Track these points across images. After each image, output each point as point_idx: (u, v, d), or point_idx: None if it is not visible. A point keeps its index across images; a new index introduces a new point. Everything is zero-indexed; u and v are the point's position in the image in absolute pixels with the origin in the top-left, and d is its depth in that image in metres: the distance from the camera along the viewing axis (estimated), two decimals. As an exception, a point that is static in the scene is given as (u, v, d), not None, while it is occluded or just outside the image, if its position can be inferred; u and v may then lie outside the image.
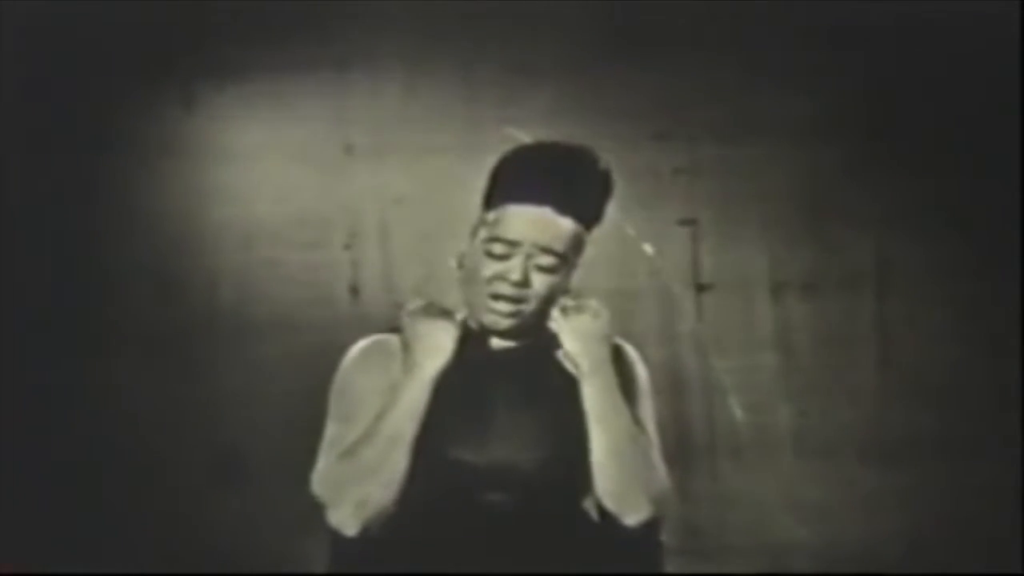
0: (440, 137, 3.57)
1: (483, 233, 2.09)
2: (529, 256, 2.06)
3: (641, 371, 2.25)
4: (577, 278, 3.20)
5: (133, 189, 3.76)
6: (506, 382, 2.12)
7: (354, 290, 3.77)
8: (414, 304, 2.12)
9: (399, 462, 2.05)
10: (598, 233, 3.75)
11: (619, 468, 2.10)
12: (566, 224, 2.08)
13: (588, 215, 2.13)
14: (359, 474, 2.05)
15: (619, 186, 3.66)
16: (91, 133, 3.72)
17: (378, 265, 3.75)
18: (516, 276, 2.06)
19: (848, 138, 3.69)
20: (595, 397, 2.10)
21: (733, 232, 3.73)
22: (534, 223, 2.06)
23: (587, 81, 3.69)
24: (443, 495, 2.10)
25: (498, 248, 2.06)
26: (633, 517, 2.12)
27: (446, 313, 2.11)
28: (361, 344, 2.20)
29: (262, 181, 3.76)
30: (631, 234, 3.71)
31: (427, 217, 3.54)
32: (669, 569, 2.32)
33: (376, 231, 3.75)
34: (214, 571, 3.55)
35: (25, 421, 3.63)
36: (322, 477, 2.10)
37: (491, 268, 2.07)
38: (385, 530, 2.14)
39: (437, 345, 2.07)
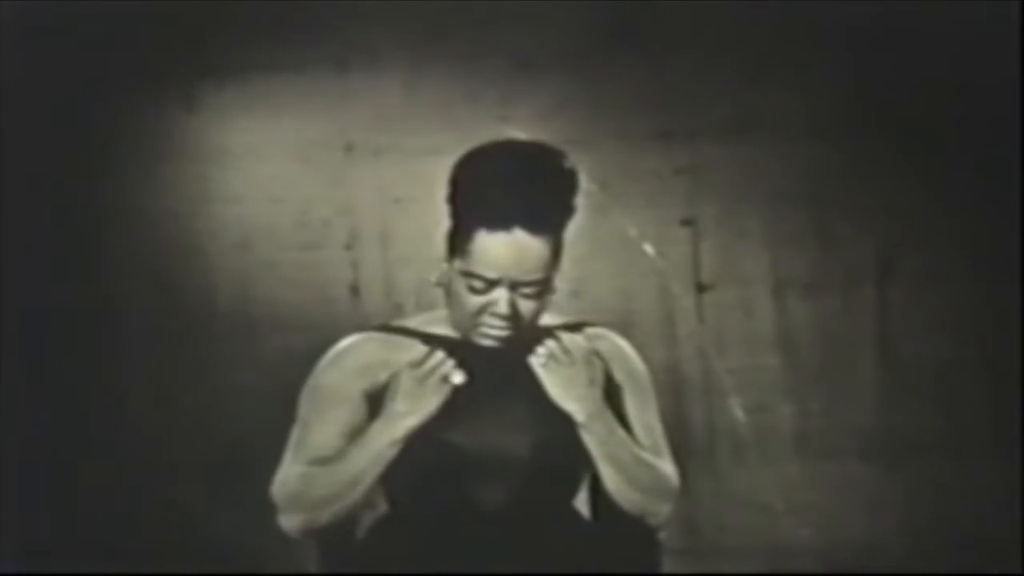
0: (440, 137, 3.56)
1: (459, 264, 2.04)
2: (512, 287, 2.02)
3: (639, 366, 2.24)
4: (578, 280, 3.22)
5: (133, 189, 3.77)
6: (495, 366, 2.10)
7: (354, 290, 3.77)
8: (419, 352, 2.05)
9: (355, 498, 2.08)
10: (598, 233, 3.76)
11: (635, 491, 2.13)
12: (541, 246, 2.01)
13: (561, 221, 2.07)
14: (313, 501, 2.09)
15: (620, 186, 3.72)
16: (91, 133, 3.72)
17: (378, 265, 3.75)
18: (503, 310, 2.02)
19: (850, 138, 3.69)
20: (597, 442, 2.09)
21: (734, 232, 3.73)
22: (509, 254, 2.00)
23: (588, 80, 3.69)
24: (434, 483, 2.09)
25: (478, 284, 2.02)
26: (655, 519, 2.19)
27: (442, 370, 2.04)
28: (337, 347, 2.18)
29: (262, 181, 3.76)
30: (632, 234, 3.71)
31: (427, 217, 3.51)
32: (669, 569, 2.32)
33: (376, 231, 3.75)
34: (214, 571, 3.56)
35: (25, 421, 3.63)
36: (280, 485, 2.13)
37: (475, 302, 2.04)
38: (378, 530, 2.17)
39: (421, 408, 2.04)
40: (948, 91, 3.64)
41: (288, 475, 2.12)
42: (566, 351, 2.06)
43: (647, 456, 2.16)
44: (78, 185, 3.73)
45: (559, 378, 2.07)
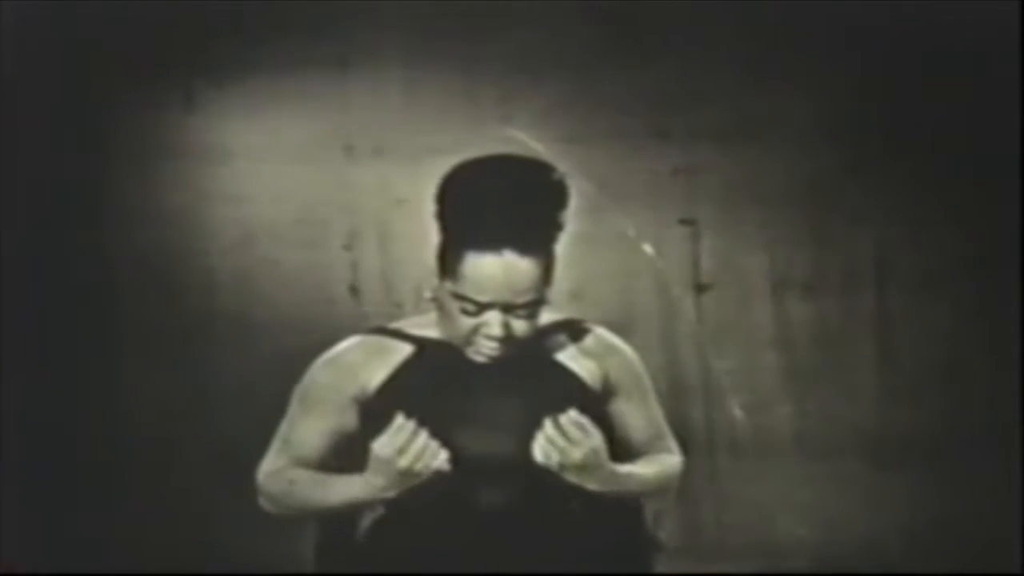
0: (440, 137, 3.56)
1: (450, 285, 2.02)
2: (505, 308, 2.00)
3: (632, 357, 2.24)
4: (576, 280, 3.20)
5: (133, 188, 3.76)
6: (491, 367, 2.10)
7: (354, 291, 3.77)
8: (406, 433, 2.00)
9: (328, 515, 2.16)
10: (597, 233, 3.75)
11: (650, 500, 2.23)
12: (532, 266, 1.99)
13: (552, 238, 2.05)
14: (290, 506, 2.16)
15: (619, 186, 3.71)
16: (91, 132, 3.72)
17: (378, 266, 3.75)
18: (496, 332, 2.01)
19: (848, 138, 3.68)
20: (615, 493, 2.10)
21: (733, 232, 3.73)
22: (500, 278, 1.97)
23: (587, 80, 3.68)
24: (431, 483, 2.07)
25: (470, 307, 2.00)
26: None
27: (428, 453, 2.01)
28: (332, 351, 2.18)
29: (262, 181, 3.76)
30: (631, 234, 3.71)
31: (427, 218, 3.52)
32: (668, 568, 2.33)
33: (376, 232, 3.75)
34: (213, 570, 3.56)
35: (25, 421, 3.63)
36: (264, 476, 2.19)
37: (468, 323, 2.02)
38: (377, 530, 2.16)
39: (401, 485, 2.03)
40: (948, 91, 3.64)
41: (271, 471, 2.17)
42: (565, 436, 2.02)
43: (655, 474, 2.19)
44: (78, 185, 3.73)
45: (567, 463, 2.02)
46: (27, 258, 3.67)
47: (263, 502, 2.19)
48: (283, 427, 2.19)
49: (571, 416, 2.02)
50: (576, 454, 2.00)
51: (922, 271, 3.71)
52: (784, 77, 3.67)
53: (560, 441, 2.01)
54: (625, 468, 2.12)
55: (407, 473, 1.99)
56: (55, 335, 3.71)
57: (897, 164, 3.69)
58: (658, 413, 2.27)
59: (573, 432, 2.01)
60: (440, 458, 2.00)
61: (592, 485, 2.04)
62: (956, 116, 3.65)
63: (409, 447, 1.98)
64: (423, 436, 1.99)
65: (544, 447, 2.01)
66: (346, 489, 2.08)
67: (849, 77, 3.66)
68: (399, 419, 1.99)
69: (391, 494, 2.03)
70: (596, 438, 2.02)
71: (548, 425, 2.00)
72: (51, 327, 3.70)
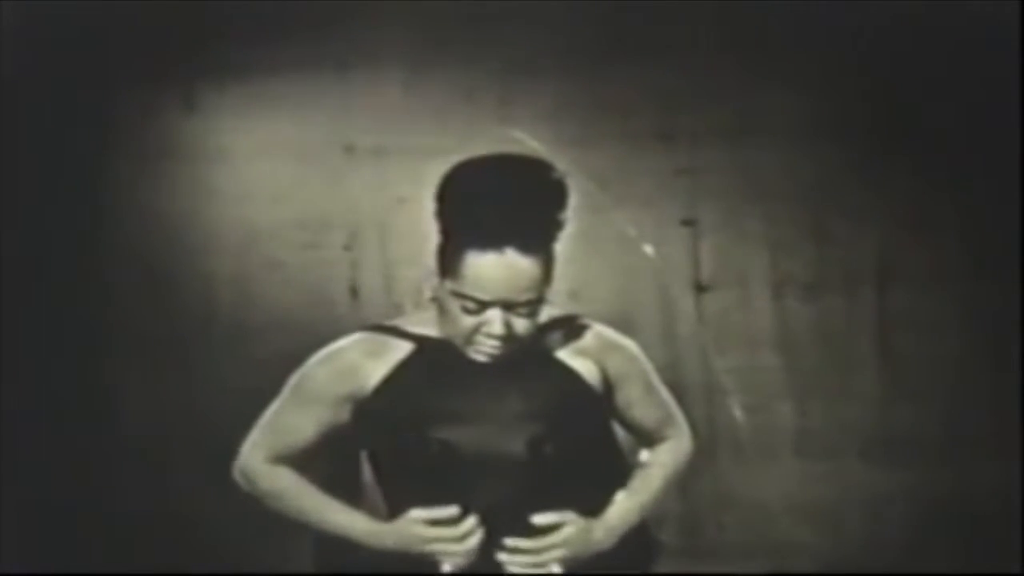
0: (441, 137, 3.56)
1: (450, 284, 2.02)
2: (506, 307, 2.01)
3: (632, 350, 2.25)
4: (577, 280, 3.20)
5: (133, 189, 3.77)
6: (488, 367, 2.09)
7: (354, 291, 3.77)
8: (459, 528, 2.06)
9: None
10: (598, 233, 3.75)
11: None
12: (533, 265, 2.00)
13: (552, 237, 2.05)
14: (273, 503, 2.21)
15: (620, 186, 3.71)
16: (91, 133, 3.72)
17: (378, 266, 3.75)
18: (498, 331, 2.02)
19: (849, 139, 3.69)
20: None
21: (734, 232, 3.73)
22: (501, 276, 1.98)
23: (588, 81, 3.69)
24: (430, 481, 2.09)
25: (471, 305, 2.01)
26: None
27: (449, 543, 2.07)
28: (331, 348, 2.19)
29: (262, 182, 3.76)
30: (632, 234, 3.71)
31: (427, 218, 3.52)
32: (669, 569, 2.33)
33: (376, 232, 3.75)
34: (213, 571, 3.55)
35: (23, 422, 3.63)
36: (251, 467, 2.22)
37: (469, 322, 2.03)
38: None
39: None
40: (948, 91, 3.64)
41: (261, 468, 2.20)
42: (537, 549, 2.07)
43: (650, 499, 2.23)
44: (78, 185, 3.73)
45: (562, 555, 2.09)
46: (26, 258, 3.66)
47: (239, 479, 2.23)
48: (270, 413, 2.20)
49: (534, 525, 2.07)
50: (558, 553, 2.07)
51: (923, 271, 3.71)
52: (786, 78, 3.67)
53: (541, 555, 2.06)
54: (613, 518, 2.16)
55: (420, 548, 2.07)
56: (53, 336, 3.70)
57: (899, 165, 3.69)
58: (665, 399, 2.28)
59: (540, 544, 2.07)
60: (458, 559, 2.06)
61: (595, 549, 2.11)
62: (957, 116, 3.65)
63: (452, 547, 2.06)
64: (475, 539, 2.06)
65: (535, 564, 2.06)
66: (346, 523, 2.13)
67: (851, 78, 3.66)
68: (457, 511, 2.05)
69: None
70: (566, 529, 2.08)
71: (514, 554, 2.06)
72: (49, 328, 3.70)
